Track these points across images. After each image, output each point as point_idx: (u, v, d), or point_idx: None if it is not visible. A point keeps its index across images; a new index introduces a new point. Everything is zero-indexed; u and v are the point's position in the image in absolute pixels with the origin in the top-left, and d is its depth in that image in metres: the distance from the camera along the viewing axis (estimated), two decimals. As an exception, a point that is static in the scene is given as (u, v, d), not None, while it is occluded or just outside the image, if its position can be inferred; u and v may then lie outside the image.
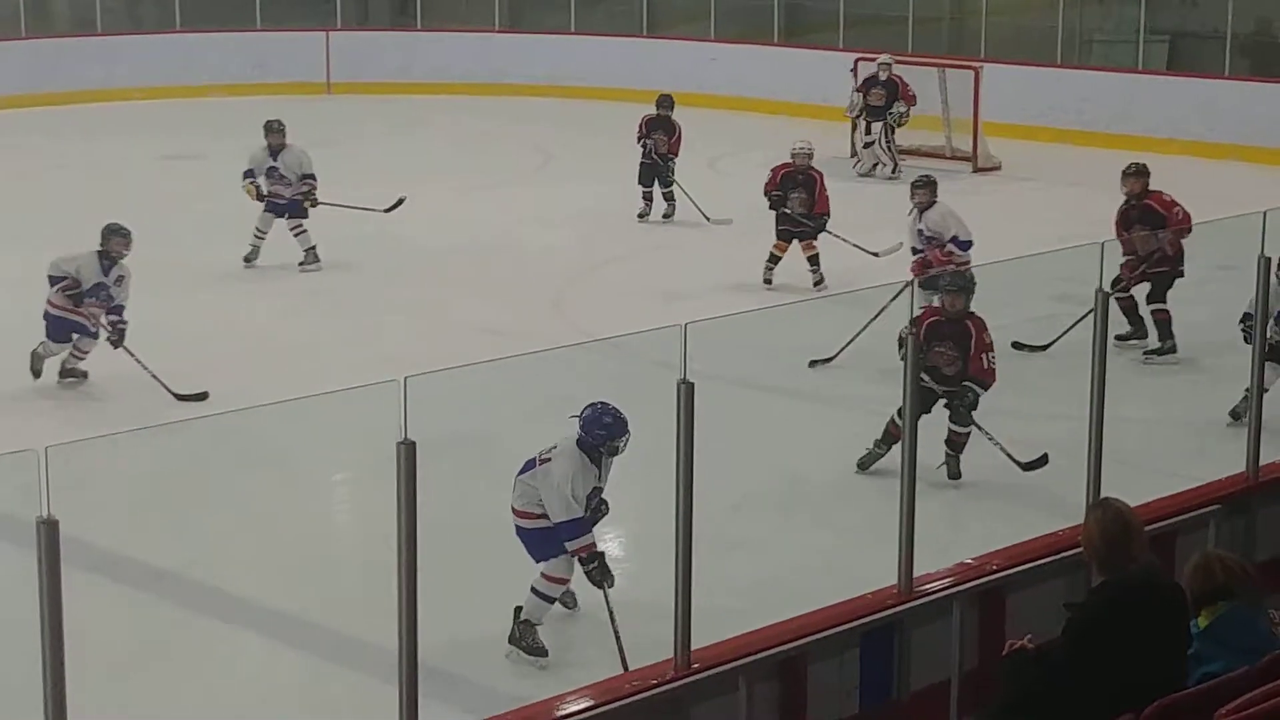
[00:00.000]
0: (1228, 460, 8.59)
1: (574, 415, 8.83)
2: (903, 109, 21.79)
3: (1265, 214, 8.29)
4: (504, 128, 25.49)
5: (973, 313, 10.84)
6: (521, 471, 8.86)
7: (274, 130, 17.05)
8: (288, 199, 16.85)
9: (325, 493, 11.55)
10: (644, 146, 19.04)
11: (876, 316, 12.20)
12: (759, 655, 6.82)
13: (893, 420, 10.42)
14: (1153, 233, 13.69)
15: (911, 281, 12.78)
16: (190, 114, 25.89)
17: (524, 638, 8.77)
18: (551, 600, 8.80)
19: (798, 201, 15.76)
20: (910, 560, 7.39)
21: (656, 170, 19.02)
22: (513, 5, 30.29)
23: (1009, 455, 10.59)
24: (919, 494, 7.40)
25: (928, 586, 7.44)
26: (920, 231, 14.16)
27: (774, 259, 15.97)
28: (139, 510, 10.56)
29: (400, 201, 17.39)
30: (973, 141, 22.56)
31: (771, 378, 13.20)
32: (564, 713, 6.43)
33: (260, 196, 16.84)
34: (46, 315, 13.02)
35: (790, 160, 15.94)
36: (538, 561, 8.78)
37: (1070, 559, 7.18)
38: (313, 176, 16.92)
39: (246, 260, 16.88)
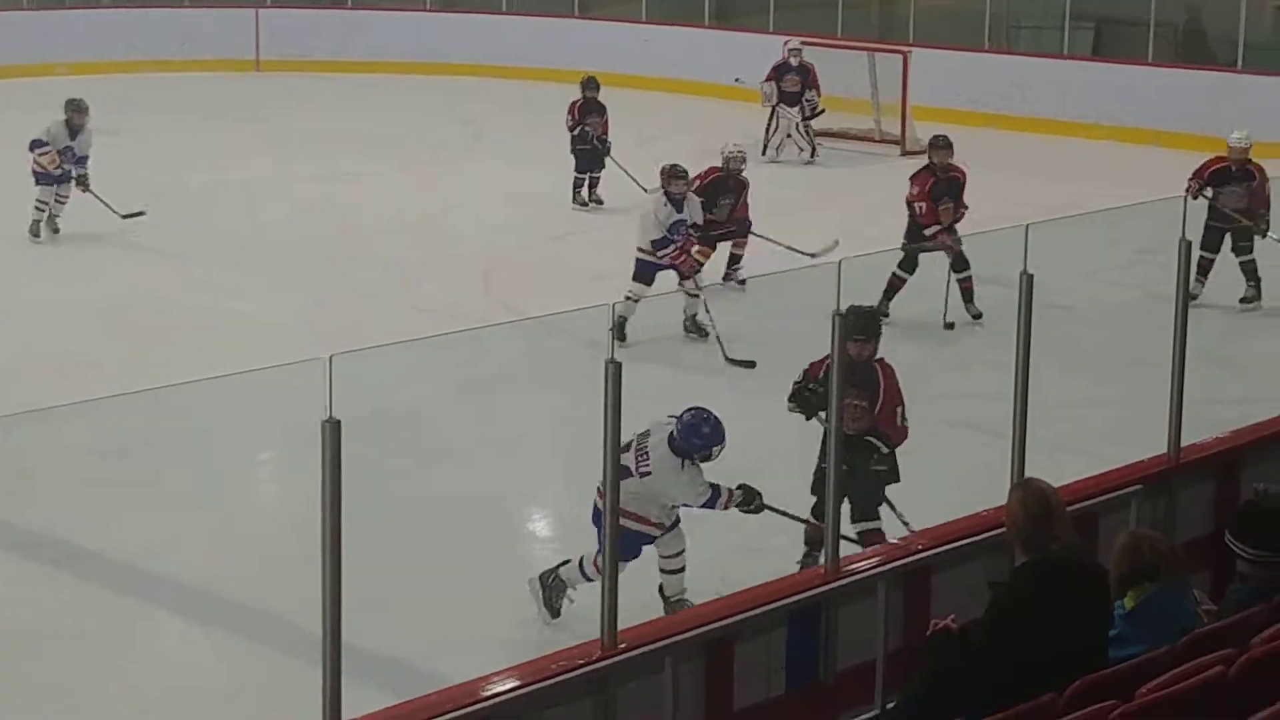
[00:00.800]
0: (1149, 441, 8.66)
1: (671, 416, 8.73)
2: (814, 98, 21.75)
3: (1185, 199, 8.36)
4: (435, 106, 25.40)
5: (881, 358, 9.63)
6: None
7: (78, 110, 17.09)
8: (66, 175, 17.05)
9: (252, 472, 11.50)
10: (580, 133, 18.93)
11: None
12: (685, 635, 6.83)
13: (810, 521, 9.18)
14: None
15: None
16: (115, 90, 25.68)
17: (550, 592, 8.80)
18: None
19: (725, 209, 15.16)
20: (836, 542, 7.42)
21: (596, 155, 18.94)
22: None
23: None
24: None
25: (854, 567, 7.46)
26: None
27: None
28: (59, 489, 10.47)
29: (139, 214, 17.06)
30: (901, 125, 22.64)
31: (697, 358, 13.22)
32: (489, 693, 6.41)
33: (57, 168, 16.92)
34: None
35: (723, 165, 15.31)
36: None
37: (994, 539, 7.22)
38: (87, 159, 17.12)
39: (32, 233, 17.04)
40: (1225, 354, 13.44)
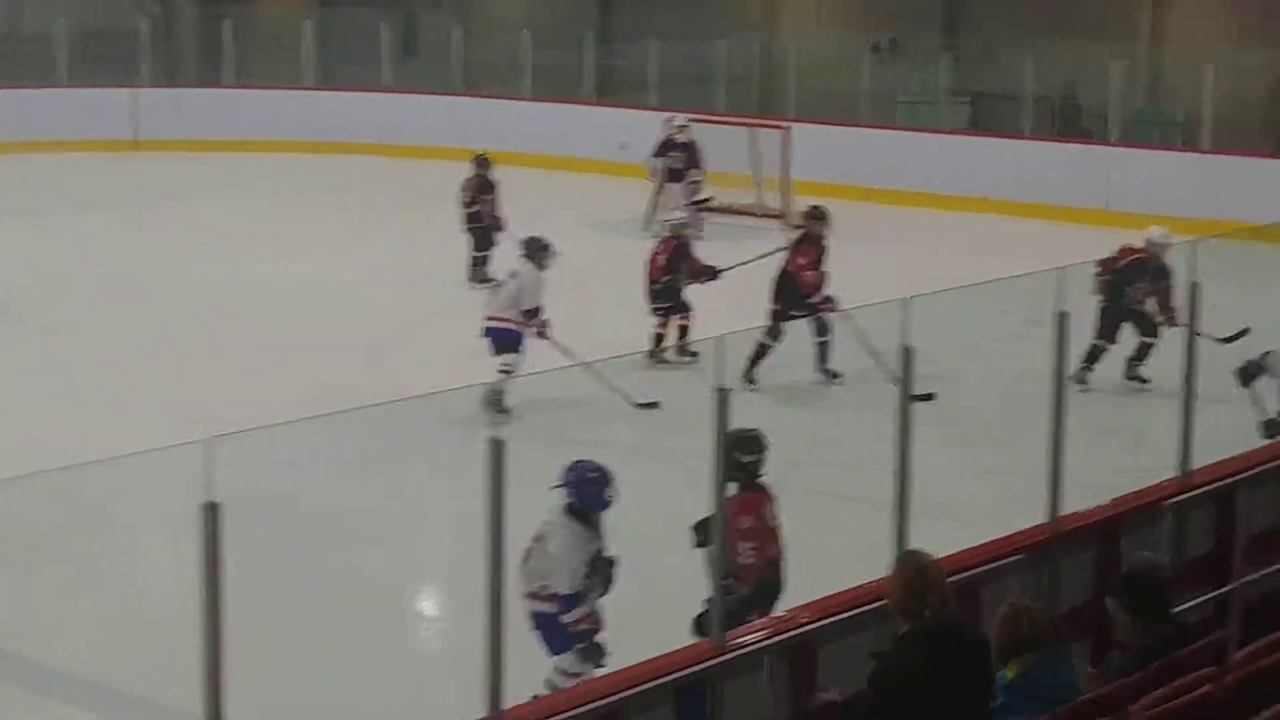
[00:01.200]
0: (1033, 510, 8.74)
1: (556, 486, 8.57)
2: (698, 176, 21.91)
3: (1062, 270, 8.47)
4: (315, 185, 25.31)
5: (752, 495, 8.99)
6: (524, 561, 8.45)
7: None
8: None
9: (139, 556, 11.36)
10: (474, 212, 18.94)
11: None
12: (573, 713, 6.81)
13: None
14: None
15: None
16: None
17: None
18: None
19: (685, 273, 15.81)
20: (722, 613, 7.43)
21: (492, 232, 18.85)
22: (324, 63, 30.17)
23: None
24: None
25: (739, 640, 7.47)
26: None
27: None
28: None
29: None
30: (783, 199, 22.83)
31: (584, 431, 13.22)
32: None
33: None
34: None
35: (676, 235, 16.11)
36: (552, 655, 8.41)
37: (878, 610, 7.26)
38: None
39: None
40: (1105, 423, 13.62)
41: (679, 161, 21.86)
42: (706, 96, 25.84)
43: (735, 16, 28.63)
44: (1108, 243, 15.52)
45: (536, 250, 14.45)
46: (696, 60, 26.83)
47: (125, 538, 11.29)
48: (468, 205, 19.02)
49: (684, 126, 22.05)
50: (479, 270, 18.84)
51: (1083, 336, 14.35)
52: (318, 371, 14.86)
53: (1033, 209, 22.88)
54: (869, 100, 25.62)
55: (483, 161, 19.23)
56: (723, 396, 7.08)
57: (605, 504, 8.59)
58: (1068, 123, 25.33)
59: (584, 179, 25.14)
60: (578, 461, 8.67)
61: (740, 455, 8.68)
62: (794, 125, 23.63)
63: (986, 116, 25.76)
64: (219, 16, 29.88)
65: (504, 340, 13.97)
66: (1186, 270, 9.22)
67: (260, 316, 17.28)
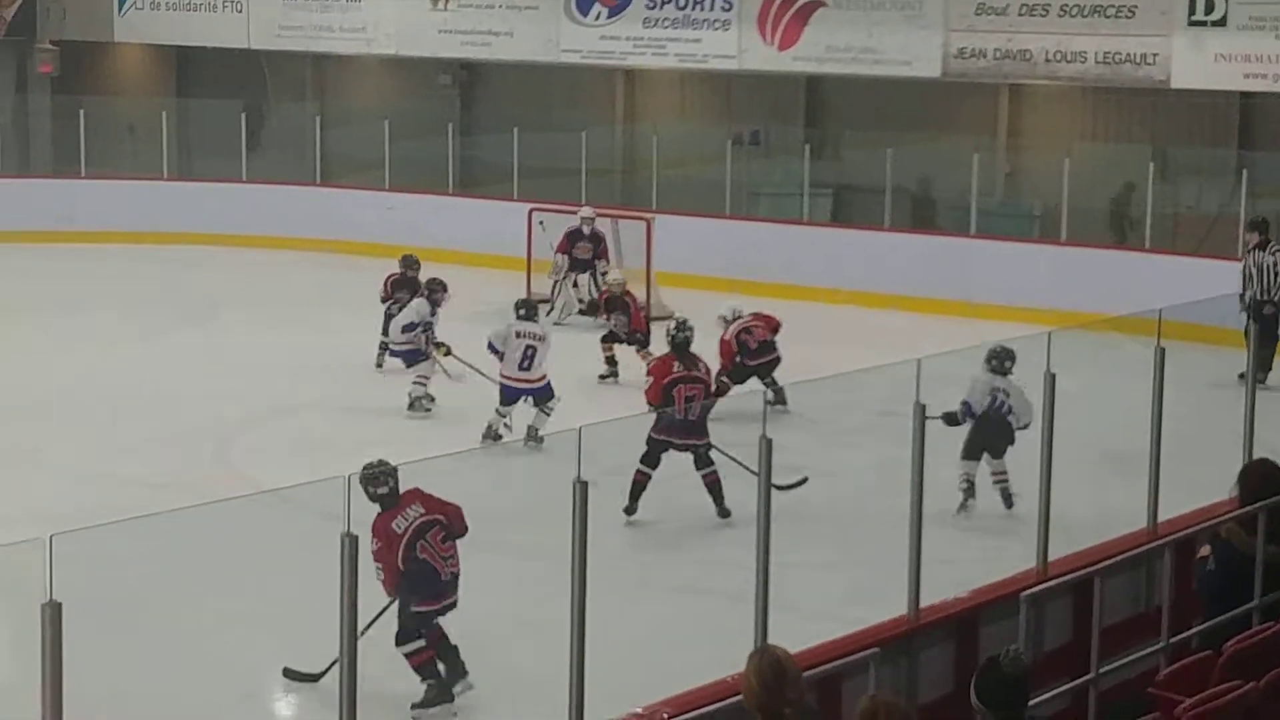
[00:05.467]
0: (890, 602, 8.72)
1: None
2: (605, 267, 22.07)
3: (919, 361, 8.48)
4: (170, 276, 25.04)
5: None
6: None
7: None
8: None
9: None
10: (389, 305, 18.95)
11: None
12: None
13: None
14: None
15: None
16: None
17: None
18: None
19: (620, 323, 18.92)
20: (580, 709, 7.32)
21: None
22: (182, 153, 29.92)
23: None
24: (589, 640, 7.35)
25: (597, 736, 7.37)
26: None
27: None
28: None
29: None
30: (646, 291, 22.84)
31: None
32: None
33: None
34: None
35: (609, 288, 19.39)
36: None
37: (739, 704, 7.18)
38: None
39: None
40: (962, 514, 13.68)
41: (587, 252, 21.99)
42: (569, 188, 25.86)
43: (598, 108, 28.74)
44: (968, 334, 15.64)
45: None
46: (559, 151, 26.87)
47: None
48: (383, 300, 19.13)
49: (590, 219, 22.20)
50: (381, 356, 19.12)
51: (942, 427, 14.46)
52: (164, 466, 14.61)
53: (893, 300, 23.06)
54: (732, 191, 25.75)
55: (410, 261, 19.50)
56: (584, 489, 7.02)
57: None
58: (924, 215, 25.61)
59: (445, 270, 24.98)
60: None
61: (373, 489, 10.03)
62: (657, 216, 23.71)
63: (848, 208, 25.98)
64: (73, 106, 29.54)
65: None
66: (1043, 361, 9.26)
67: (101, 410, 16.97)
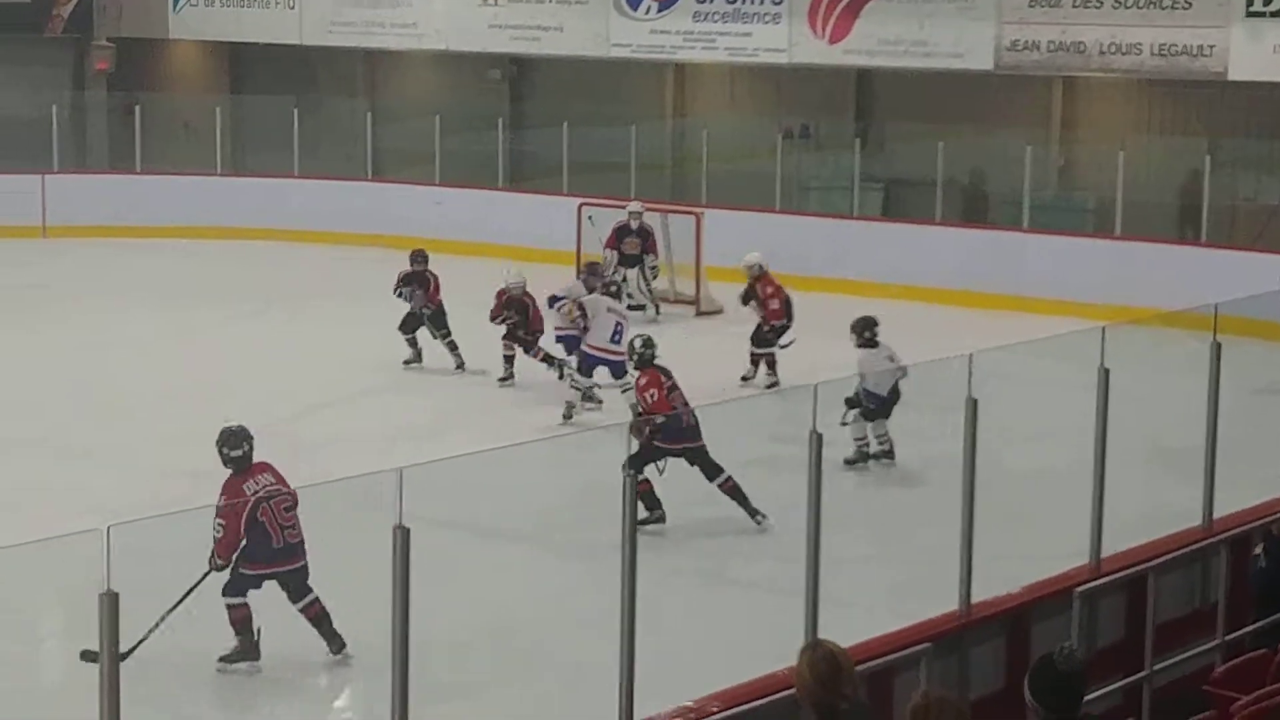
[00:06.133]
0: (942, 597, 8.68)
1: None
2: (654, 261, 22.09)
3: (971, 356, 8.45)
4: (223, 271, 25.13)
5: None
6: None
7: None
8: None
9: (31, 647, 11.12)
10: (401, 297, 19.11)
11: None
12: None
13: None
14: None
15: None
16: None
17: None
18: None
19: (517, 321, 18.24)
20: (630, 702, 7.32)
21: (418, 321, 19.07)
22: (235, 148, 30.04)
23: None
24: (639, 633, 7.35)
25: (649, 731, 7.37)
26: None
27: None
28: None
29: None
30: (695, 285, 22.84)
31: (491, 520, 13.11)
32: None
33: None
34: None
35: (508, 289, 18.37)
36: None
37: (789, 699, 7.16)
38: None
39: None
40: (1015, 510, 13.60)
41: (635, 247, 21.96)
42: (619, 183, 25.86)
43: (647, 103, 28.72)
44: (1020, 329, 15.57)
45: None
46: (608, 146, 26.86)
47: (16, 629, 11.03)
48: (397, 294, 19.19)
49: (638, 212, 22.14)
50: (415, 354, 19.19)
51: (994, 422, 14.39)
52: (214, 458, 14.65)
53: (944, 294, 22.96)
54: (781, 186, 25.69)
55: (418, 256, 19.46)
56: (632, 481, 7.01)
57: None
58: (976, 209, 25.49)
59: (495, 265, 24.98)
60: None
61: (228, 450, 10.79)
62: (706, 211, 23.68)
63: (898, 203, 25.90)
64: (129, 103, 29.71)
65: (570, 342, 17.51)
66: (1097, 356, 9.21)
67: (154, 404, 17.04)
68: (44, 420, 16.47)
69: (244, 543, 10.42)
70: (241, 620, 10.48)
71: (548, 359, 18.14)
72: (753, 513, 13.23)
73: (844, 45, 25.47)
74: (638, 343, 14.78)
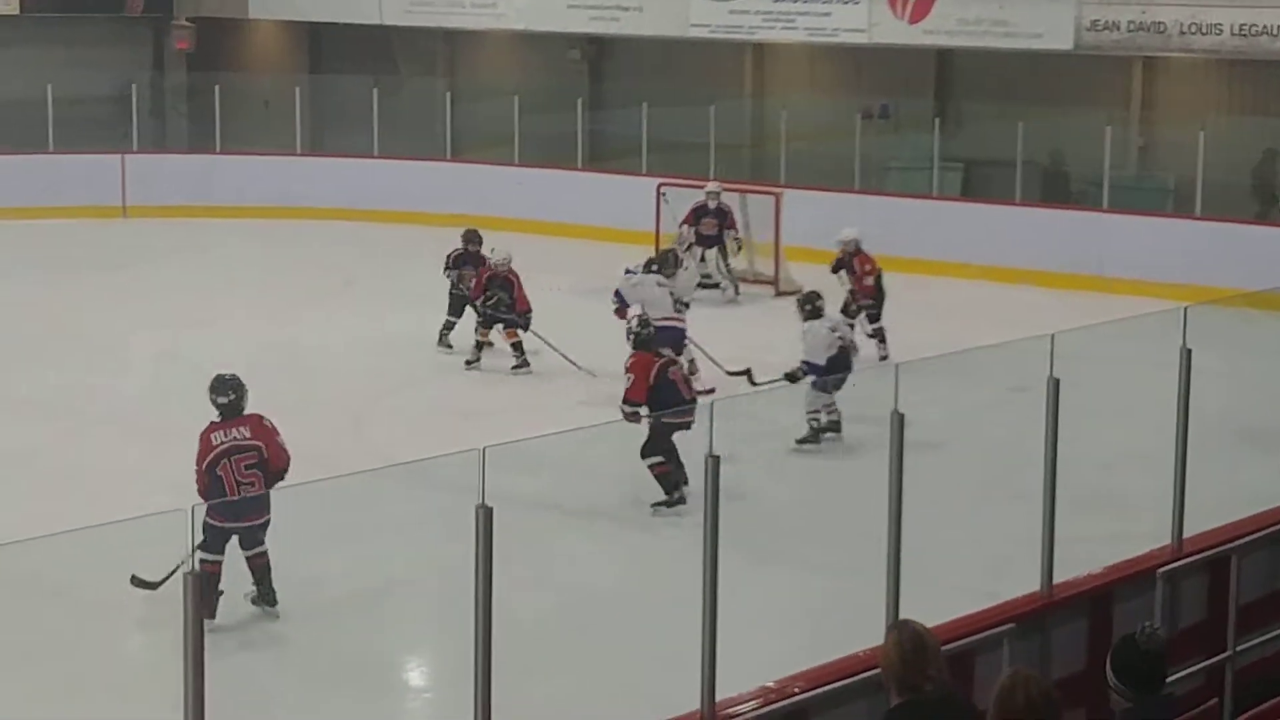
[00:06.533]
0: (1024, 577, 8.66)
1: None
2: (736, 236, 22.08)
3: (1053, 337, 8.42)
4: (304, 251, 25.28)
5: None
6: None
7: None
8: None
9: (117, 627, 11.23)
10: (450, 279, 19.09)
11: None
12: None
13: None
14: None
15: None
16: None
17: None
18: None
19: (499, 300, 18.05)
20: (713, 683, 7.34)
21: (465, 302, 18.94)
22: (314, 128, 30.19)
23: None
24: (720, 615, 7.36)
25: (731, 710, 7.38)
26: None
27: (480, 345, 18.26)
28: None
29: None
30: (774, 266, 22.80)
31: (572, 500, 13.15)
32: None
33: None
34: None
35: (492, 267, 18.30)
36: None
37: (872, 679, 7.17)
38: None
39: None
40: (1096, 490, 13.53)
41: (712, 228, 21.90)
42: (698, 163, 25.84)
43: (726, 83, 28.68)
44: (1101, 309, 15.49)
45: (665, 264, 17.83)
46: (687, 126, 26.85)
47: (103, 609, 11.15)
48: (446, 274, 19.17)
49: (716, 192, 22.10)
50: (444, 335, 19.03)
51: (1075, 403, 14.33)
52: (297, 438, 14.76)
53: (1024, 275, 22.86)
54: (860, 166, 25.62)
55: (471, 236, 19.36)
56: (715, 463, 7.04)
57: None
58: (1056, 189, 25.35)
59: (574, 245, 25.08)
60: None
61: (214, 396, 11.36)
62: (785, 191, 23.64)
63: (978, 183, 25.78)
64: (209, 83, 29.90)
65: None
66: (1179, 337, 9.16)
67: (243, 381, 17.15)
68: (123, 399, 16.61)
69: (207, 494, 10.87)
70: (207, 576, 10.58)
71: (518, 347, 18.07)
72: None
73: (924, 25, 25.33)
74: (635, 323, 14.76)
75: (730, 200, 22.80)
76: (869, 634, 7.35)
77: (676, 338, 16.27)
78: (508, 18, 29.44)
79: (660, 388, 13.70)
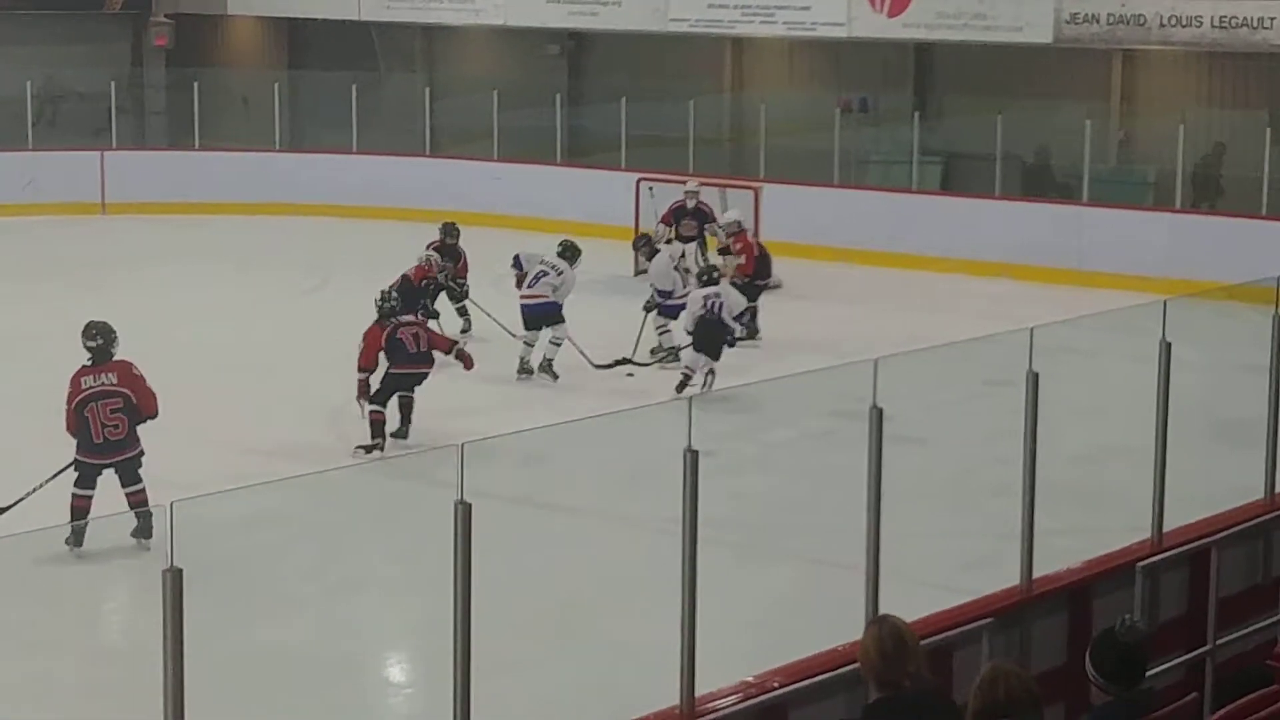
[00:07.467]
0: (1002, 572, 8.65)
1: None
2: (717, 229, 21.98)
3: (1032, 330, 8.41)
4: (282, 247, 25.22)
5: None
6: None
7: None
8: None
9: (95, 622, 11.21)
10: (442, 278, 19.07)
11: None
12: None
13: None
14: None
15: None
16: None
17: None
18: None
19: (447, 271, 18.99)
20: (692, 678, 7.32)
21: (446, 294, 19.07)
22: (293, 124, 30.12)
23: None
24: (699, 610, 7.34)
25: (711, 705, 7.36)
26: None
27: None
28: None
29: None
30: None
31: (550, 495, 13.13)
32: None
33: None
34: None
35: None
36: None
37: (851, 674, 7.16)
38: None
39: None
40: (1075, 484, 13.54)
41: (692, 229, 21.79)
42: (677, 157, 25.83)
43: (705, 77, 28.67)
44: (1081, 303, 15.50)
45: (572, 252, 18.07)
46: (666, 121, 26.83)
47: (82, 603, 11.12)
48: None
49: (695, 192, 21.99)
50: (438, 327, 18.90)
51: (1054, 397, 14.32)
52: (276, 434, 14.74)
53: (1004, 268, 22.88)
54: (840, 160, 25.62)
55: (449, 229, 19.42)
56: (694, 458, 7.01)
57: None
58: (1038, 183, 25.38)
59: (553, 240, 24.99)
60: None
61: (85, 340, 12.36)
62: (764, 185, 23.64)
63: (958, 176, 25.79)
64: (187, 79, 29.83)
65: (549, 311, 17.47)
66: (1159, 329, 9.15)
67: (214, 379, 17.12)
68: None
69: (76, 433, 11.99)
70: (78, 509, 11.65)
71: (463, 311, 19.28)
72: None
73: (903, 19, 25.34)
74: (378, 296, 15.73)
75: (710, 196, 22.77)
76: (848, 629, 7.34)
77: (550, 312, 17.53)
78: (486, 13, 29.41)
79: (391, 349, 14.98)
